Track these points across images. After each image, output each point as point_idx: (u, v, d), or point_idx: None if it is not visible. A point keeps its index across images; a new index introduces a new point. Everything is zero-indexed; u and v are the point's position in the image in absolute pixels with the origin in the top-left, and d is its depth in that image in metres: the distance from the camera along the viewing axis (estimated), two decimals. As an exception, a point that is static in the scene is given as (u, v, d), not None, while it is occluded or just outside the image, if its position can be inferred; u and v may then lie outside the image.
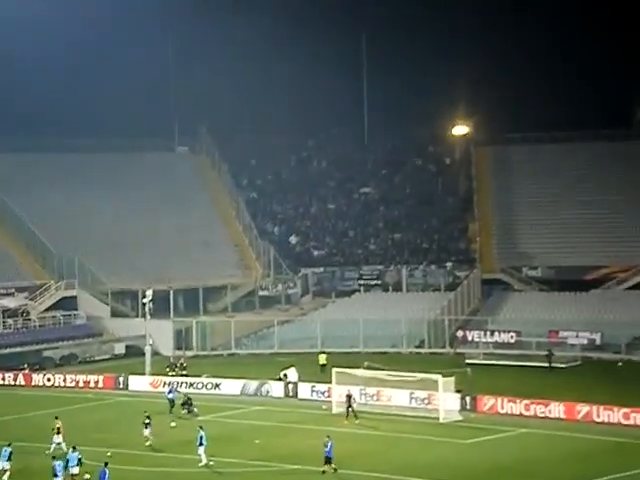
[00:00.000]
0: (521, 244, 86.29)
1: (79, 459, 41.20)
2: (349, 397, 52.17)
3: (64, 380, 63.39)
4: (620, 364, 67.34)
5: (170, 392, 55.70)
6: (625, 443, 46.69)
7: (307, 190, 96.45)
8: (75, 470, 40.95)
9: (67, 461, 41.16)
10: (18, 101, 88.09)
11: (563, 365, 66.05)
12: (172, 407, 54.51)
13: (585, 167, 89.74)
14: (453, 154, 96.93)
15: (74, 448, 41.89)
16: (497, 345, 70.68)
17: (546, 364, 64.85)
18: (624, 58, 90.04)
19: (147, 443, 47.55)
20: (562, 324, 71.87)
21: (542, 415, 51.37)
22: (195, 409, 53.84)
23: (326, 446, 42.38)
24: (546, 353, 65.44)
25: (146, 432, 47.75)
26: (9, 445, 42.35)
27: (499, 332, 71.56)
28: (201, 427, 44.93)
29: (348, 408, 51.81)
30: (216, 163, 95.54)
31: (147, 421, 47.96)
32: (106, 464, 39.84)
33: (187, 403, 54.27)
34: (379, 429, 49.82)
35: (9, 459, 41.73)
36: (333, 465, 42.24)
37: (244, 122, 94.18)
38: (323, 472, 42.06)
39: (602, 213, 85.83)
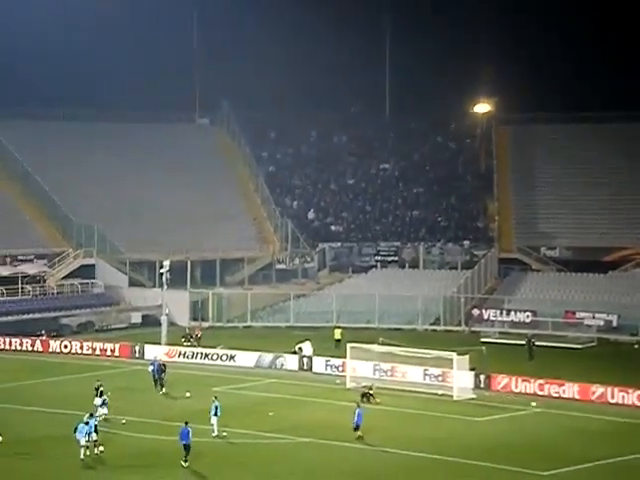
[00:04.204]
0: (539, 224, 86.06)
1: (95, 426, 41.41)
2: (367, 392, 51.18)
3: (81, 347, 63.79)
4: (636, 346, 67.24)
5: (152, 364, 53.73)
6: (639, 425, 46.71)
7: (326, 165, 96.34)
8: (93, 436, 41.09)
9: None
10: (42, 71, 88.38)
11: (579, 346, 66.03)
12: (156, 381, 52.74)
13: (606, 149, 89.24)
14: (474, 132, 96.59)
15: (91, 415, 42.14)
16: (512, 324, 70.63)
17: (530, 351, 61.50)
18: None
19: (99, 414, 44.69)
20: (579, 305, 71.72)
21: (556, 395, 51.35)
22: (164, 376, 52.75)
23: (354, 414, 43.20)
24: (526, 340, 62.69)
25: (97, 401, 45.95)
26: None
27: (515, 311, 71.44)
28: (216, 397, 45.11)
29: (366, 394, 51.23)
30: (236, 136, 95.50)
31: (100, 390, 46.36)
32: (186, 423, 40.39)
33: (161, 370, 52.82)
34: (392, 405, 49.86)
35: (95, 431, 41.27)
36: (359, 432, 43.09)
37: (265, 96, 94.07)
38: (358, 437, 43.07)
39: (622, 195, 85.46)
